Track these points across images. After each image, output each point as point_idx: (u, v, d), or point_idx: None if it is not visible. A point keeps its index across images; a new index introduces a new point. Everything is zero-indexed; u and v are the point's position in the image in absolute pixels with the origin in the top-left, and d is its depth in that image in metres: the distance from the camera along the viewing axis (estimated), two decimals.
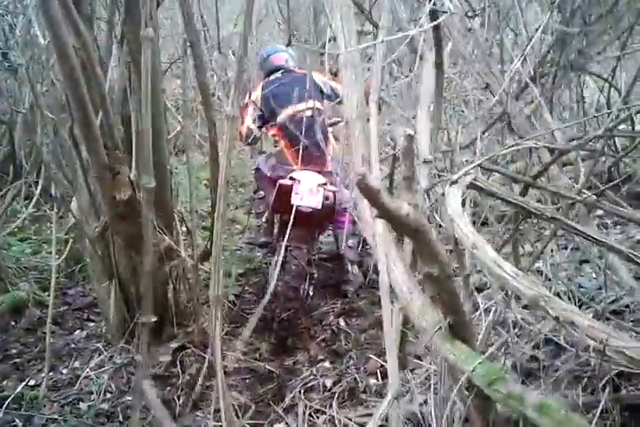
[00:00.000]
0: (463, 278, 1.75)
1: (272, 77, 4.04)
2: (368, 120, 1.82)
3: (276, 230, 3.96)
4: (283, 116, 3.81)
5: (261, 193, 4.08)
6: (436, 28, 2.00)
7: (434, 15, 1.93)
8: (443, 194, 1.62)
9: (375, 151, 1.82)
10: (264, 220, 4.07)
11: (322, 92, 3.87)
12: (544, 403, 1.14)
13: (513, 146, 2.17)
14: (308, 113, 3.52)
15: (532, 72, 2.70)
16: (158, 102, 3.04)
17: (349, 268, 3.99)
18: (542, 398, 1.17)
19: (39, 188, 4.57)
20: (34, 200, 4.60)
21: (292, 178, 3.48)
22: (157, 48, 2.97)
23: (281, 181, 3.48)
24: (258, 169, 4.11)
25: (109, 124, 2.81)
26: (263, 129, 4.03)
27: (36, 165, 5.12)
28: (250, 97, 4.05)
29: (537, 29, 2.55)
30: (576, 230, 1.73)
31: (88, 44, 2.68)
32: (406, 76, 2.80)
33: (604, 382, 1.86)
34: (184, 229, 3.53)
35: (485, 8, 2.82)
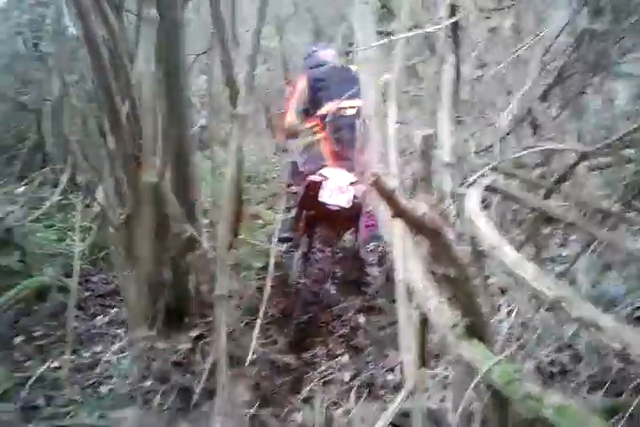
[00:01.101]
0: (482, 279, 1.73)
1: (321, 69, 3.99)
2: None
3: (301, 226, 3.82)
4: (327, 109, 3.75)
5: (294, 188, 3.97)
6: (455, 27, 1.96)
7: (452, 11, 1.91)
8: (458, 194, 1.60)
9: (393, 150, 1.81)
10: (291, 215, 3.98)
11: None
12: (563, 404, 1.12)
13: (532, 147, 2.12)
14: (352, 111, 3.53)
15: (557, 73, 2.66)
16: (183, 93, 3.07)
17: (368, 270, 3.98)
18: (561, 399, 1.14)
19: (66, 176, 4.65)
20: (60, 188, 4.68)
21: (321, 175, 3.42)
22: (183, 41, 3.00)
23: (310, 178, 3.44)
24: (293, 163, 4.05)
25: (135, 114, 2.84)
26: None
27: (64, 153, 5.20)
28: (294, 88, 3.99)
29: (562, 28, 2.52)
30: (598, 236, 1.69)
31: (116, 35, 2.73)
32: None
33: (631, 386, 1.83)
34: (206, 221, 3.56)
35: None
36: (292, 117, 3.92)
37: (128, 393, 2.88)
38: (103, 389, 2.92)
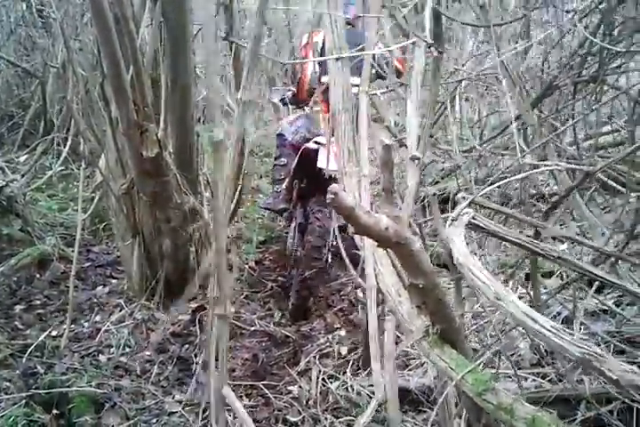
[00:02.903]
0: (455, 282, 1.69)
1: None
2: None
3: (294, 197, 3.87)
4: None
5: (283, 160, 3.88)
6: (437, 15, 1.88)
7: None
8: (438, 234, 1.53)
9: (365, 146, 1.76)
10: (283, 186, 3.88)
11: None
12: (536, 416, 1.11)
13: (527, 170, 2.02)
14: (355, 90, 3.46)
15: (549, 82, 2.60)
16: (188, 63, 3.03)
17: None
18: (534, 411, 1.13)
19: (68, 145, 4.62)
20: (62, 157, 4.65)
21: (317, 142, 3.43)
22: (188, 7, 2.94)
23: (307, 145, 3.46)
24: (280, 135, 3.93)
25: (140, 81, 2.80)
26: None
27: (66, 121, 5.16)
28: (311, 40, 3.73)
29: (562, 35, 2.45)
30: (589, 273, 1.58)
31: (122, 0, 2.67)
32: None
33: None
34: (208, 193, 3.54)
35: None
36: (307, 80, 3.75)
37: (127, 363, 2.89)
38: (102, 358, 2.93)
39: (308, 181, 3.59)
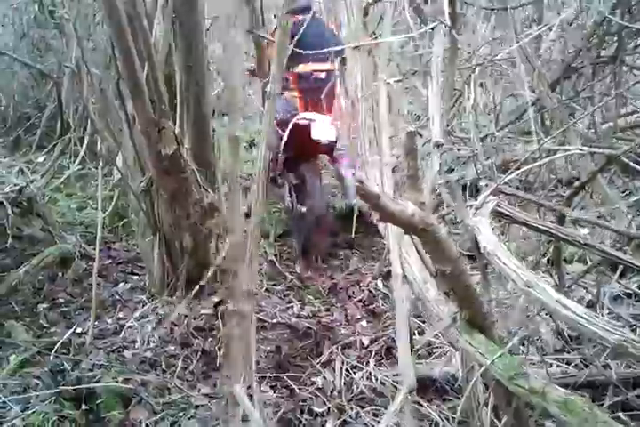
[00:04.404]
0: (481, 269, 1.69)
1: (301, 18, 3.97)
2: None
3: (282, 165, 4.32)
4: (303, 68, 4.18)
5: None
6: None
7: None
8: (463, 222, 1.51)
9: (386, 134, 1.76)
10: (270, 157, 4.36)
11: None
12: (568, 399, 1.11)
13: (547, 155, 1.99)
14: (323, 75, 4.16)
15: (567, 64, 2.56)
16: (201, 58, 3.04)
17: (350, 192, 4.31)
18: (566, 395, 1.14)
19: (85, 144, 4.66)
20: (79, 157, 4.69)
21: (305, 119, 3.94)
22: (201, 3, 2.95)
23: (298, 121, 3.95)
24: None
25: (155, 79, 2.82)
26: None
27: (83, 120, 5.20)
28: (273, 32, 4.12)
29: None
30: (614, 257, 1.56)
31: None
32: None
33: None
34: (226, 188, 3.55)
35: None
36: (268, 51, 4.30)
37: (151, 358, 2.92)
38: (127, 353, 2.96)
39: (300, 151, 4.09)
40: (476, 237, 1.33)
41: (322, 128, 3.87)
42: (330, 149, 4.09)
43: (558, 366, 2.20)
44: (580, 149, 1.88)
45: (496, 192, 1.55)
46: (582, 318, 1.09)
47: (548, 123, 3.10)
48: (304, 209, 4.00)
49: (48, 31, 5.61)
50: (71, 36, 4.15)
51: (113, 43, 2.77)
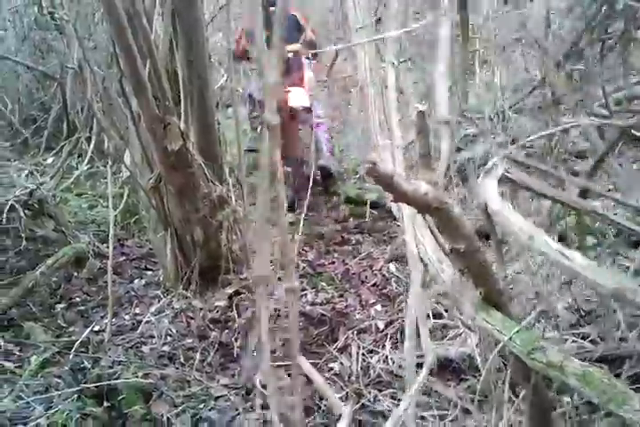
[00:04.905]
0: (495, 244, 1.65)
1: (272, 9, 4.44)
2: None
3: None
4: None
5: (255, 113, 5.09)
6: None
7: None
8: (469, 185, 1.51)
9: (394, 117, 1.76)
10: (258, 131, 5.06)
11: (301, 31, 4.84)
12: (586, 371, 1.11)
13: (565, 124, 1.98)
14: (290, 55, 4.70)
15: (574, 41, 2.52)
16: (203, 53, 3.04)
17: (324, 153, 5.08)
18: (583, 367, 1.14)
19: (92, 144, 4.68)
20: (87, 156, 4.72)
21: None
22: None
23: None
24: (250, 95, 5.05)
25: (158, 76, 2.83)
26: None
27: (89, 120, 5.23)
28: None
29: None
30: (623, 225, 1.56)
31: None
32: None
33: None
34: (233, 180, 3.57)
35: None
36: (244, 44, 4.79)
37: (170, 352, 2.96)
38: (145, 349, 2.99)
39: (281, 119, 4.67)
40: (485, 203, 1.33)
41: (296, 97, 4.67)
42: (305, 115, 4.86)
43: (574, 341, 2.20)
44: (592, 120, 1.87)
45: (507, 159, 1.55)
46: (582, 266, 1.09)
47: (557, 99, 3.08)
48: (289, 169, 4.73)
49: (49, 33, 5.63)
50: (72, 36, 4.17)
51: (114, 41, 2.78)
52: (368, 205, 4.41)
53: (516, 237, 1.23)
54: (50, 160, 5.15)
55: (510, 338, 1.21)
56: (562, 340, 2.01)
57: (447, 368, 2.47)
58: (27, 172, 4.41)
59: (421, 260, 1.54)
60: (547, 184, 1.73)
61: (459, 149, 4.10)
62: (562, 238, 2.25)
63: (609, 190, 2.40)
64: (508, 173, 1.47)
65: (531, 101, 3.43)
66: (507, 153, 1.55)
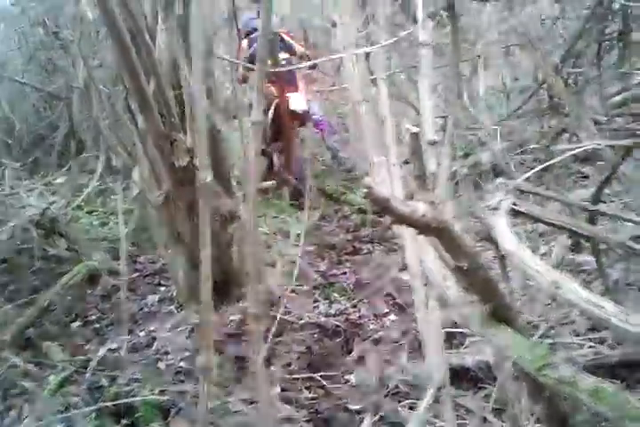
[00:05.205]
0: (499, 260, 1.65)
1: (254, 35, 5.28)
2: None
3: (271, 137, 5.52)
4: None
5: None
6: None
7: None
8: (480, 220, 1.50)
9: (390, 134, 1.76)
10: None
11: (291, 47, 5.58)
12: (599, 387, 1.09)
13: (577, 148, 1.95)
14: (283, 62, 5.19)
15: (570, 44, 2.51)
16: (207, 66, 3.05)
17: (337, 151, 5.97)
18: (596, 383, 1.12)
19: (100, 161, 4.72)
20: (97, 173, 4.76)
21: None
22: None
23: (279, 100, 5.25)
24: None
25: (162, 92, 2.84)
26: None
27: (97, 138, 5.27)
28: (240, 49, 5.46)
29: None
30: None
31: (135, 14, 2.71)
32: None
33: None
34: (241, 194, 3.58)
35: None
36: (243, 72, 5.19)
37: (186, 367, 2.96)
38: (161, 365, 2.99)
39: (282, 122, 5.36)
40: (494, 238, 1.32)
41: (296, 101, 5.31)
42: (304, 117, 5.42)
43: (590, 346, 2.18)
44: (598, 144, 1.83)
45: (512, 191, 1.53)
46: (617, 318, 1.06)
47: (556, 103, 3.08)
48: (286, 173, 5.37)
49: (54, 52, 5.69)
50: (77, 55, 4.22)
51: (117, 59, 2.80)
52: (375, 214, 4.42)
53: (534, 280, 1.21)
54: (60, 180, 5.20)
55: (520, 354, 1.20)
56: (578, 346, 1.99)
57: (464, 377, 2.45)
58: (37, 191, 4.46)
59: (425, 277, 1.53)
60: (555, 212, 1.72)
61: (466, 155, 4.12)
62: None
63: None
64: (515, 205, 1.46)
65: (531, 106, 3.42)
66: (511, 187, 1.53)
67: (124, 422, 2.50)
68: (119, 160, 3.68)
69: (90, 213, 4.90)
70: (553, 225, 1.53)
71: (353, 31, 1.73)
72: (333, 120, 6.97)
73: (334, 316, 3.26)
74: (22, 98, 6.14)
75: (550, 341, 1.98)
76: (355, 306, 3.37)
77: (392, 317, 3.18)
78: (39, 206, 3.91)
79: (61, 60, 5.59)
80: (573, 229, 1.50)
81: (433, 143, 1.66)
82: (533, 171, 1.65)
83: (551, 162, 1.88)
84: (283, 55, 5.36)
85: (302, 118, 5.47)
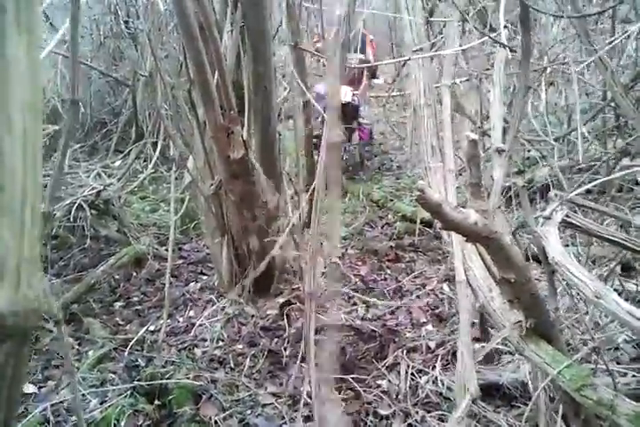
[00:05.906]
0: (547, 276, 1.62)
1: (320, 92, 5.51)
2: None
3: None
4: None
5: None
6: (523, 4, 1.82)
7: None
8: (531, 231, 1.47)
9: (449, 141, 1.75)
10: None
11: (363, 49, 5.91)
12: (638, 413, 1.08)
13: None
14: (355, 61, 5.57)
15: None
16: (269, 65, 3.10)
17: (364, 159, 6.43)
18: (636, 408, 1.11)
19: (158, 149, 4.83)
20: (153, 161, 4.87)
21: None
22: (268, 13, 3.02)
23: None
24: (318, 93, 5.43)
25: (225, 86, 2.90)
26: None
27: (156, 126, 5.40)
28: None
29: None
30: None
31: (206, 8, 2.77)
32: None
33: None
34: (291, 191, 3.62)
35: None
36: None
37: (220, 356, 3.01)
38: (197, 351, 3.05)
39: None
40: (543, 247, 1.30)
41: (342, 93, 5.34)
42: (349, 109, 5.64)
43: (634, 375, 2.12)
44: None
45: (566, 202, 1.51)
46: None
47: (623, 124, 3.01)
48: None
49: (123, 41, 5.85)
50: (145, 45, 4.33)
51: (185, 51, 2.88)
52: (422, 224, 4.39)
53: (579, 290, 1.20)
54: (117, 163, 5.35)
55: (559, 372, 1.18)
56: (620, 373, 1.95)
57: (498, 394, 2.42)
58: (95, 173, 4.59)
59: (470, 286, 1.52)
60: (607, 227, 1.68)
61: (520, 172, 4.06)
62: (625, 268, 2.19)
63: None
64: (567, 217, 1.44)
65: (595, 124, 3.36)
66: (566, 198, 1.51)
67: (156, 402, 2.56)
68: (176, 149, 3.76)
69: (142, 198, 5.03)
70: (604, 239, 1.50)
71: (423, 35, 1.73)
72: (383, 127, 7.38)
73: (371, 320, 3.26)
74: (88, 83, 6.34)
75: (591, 366, 1.93)
76: (393, 313, 3.37)
77: (429, 327, 3.16)
78: (96, 187, 4.02)
79: (129, 48, 5.77)
80: (625, 243, 1.46)
81: (500, 151, 1.64)
82: (591, 184, 1.63)
83: (610, 177, 1.85)
84: (359, 55, 5.68)
85: (349, 111, 5.72)
